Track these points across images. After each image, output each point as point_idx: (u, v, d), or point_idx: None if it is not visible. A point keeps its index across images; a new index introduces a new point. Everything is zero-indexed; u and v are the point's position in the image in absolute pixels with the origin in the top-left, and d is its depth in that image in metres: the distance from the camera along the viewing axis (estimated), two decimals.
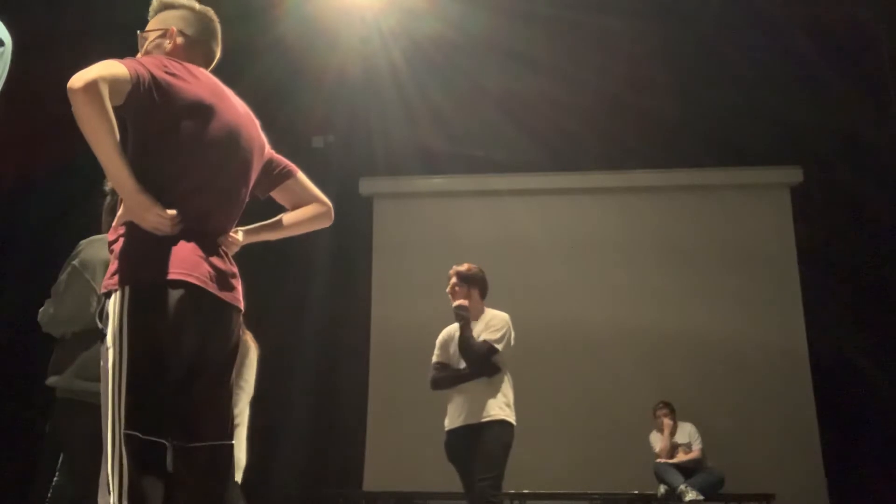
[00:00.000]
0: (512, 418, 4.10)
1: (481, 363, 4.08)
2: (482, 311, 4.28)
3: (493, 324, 4.20)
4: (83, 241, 2.99)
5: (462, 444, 4.08)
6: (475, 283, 4.29)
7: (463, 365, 4.16)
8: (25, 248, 5.93)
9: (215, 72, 2.27)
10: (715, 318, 7.20)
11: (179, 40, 2.19)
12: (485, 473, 3.93)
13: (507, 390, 4.14)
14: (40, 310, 3.00)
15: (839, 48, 6.34)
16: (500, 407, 4.07)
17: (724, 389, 6.97)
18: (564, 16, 6.35)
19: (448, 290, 4.32)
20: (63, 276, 2.93)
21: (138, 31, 2.24)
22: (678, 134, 7.27)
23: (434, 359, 4.33)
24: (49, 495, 3.01)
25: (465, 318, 4.17)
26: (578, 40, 6.67)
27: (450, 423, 4.17)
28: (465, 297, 4.24)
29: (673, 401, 6.50)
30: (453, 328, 4.31)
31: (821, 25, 6.16)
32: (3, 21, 2.00)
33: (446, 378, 4.21)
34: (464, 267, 4.32)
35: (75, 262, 2.92)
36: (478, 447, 4.00)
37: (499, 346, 4.10)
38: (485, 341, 4.10)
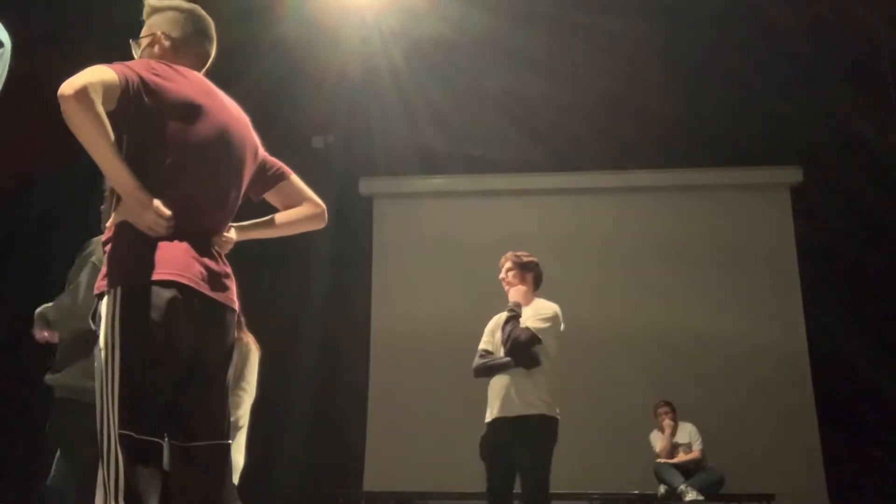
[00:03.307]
0: (553, 412, 3.99)
1: (522, 352, 4.00)
2: (532, 300, 4.24)
3: (541, 312, 4.15)
4: (94, 240, 2.99)
5: (498, 438, 3.98)
6: (530, 270, 4.26)
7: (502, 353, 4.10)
8: (25, 248, 5.93)
9: (215, 72, 2.27)
10: (715, 318, 7.20)
11: (167, 44, 2.18)
12: (531, 485, 3.86)
13: (548, 383, 4.04)
14: (49, 305, 2.99)
15: (839, 48, 6.34)
16: (540, 399, 3.97)
17: (725, 389, 6.96)
18: (564, 16, 6.35)
19: (501, 276, 4.28)
20: (84, 274, 2.92)
21: (131, 41, 2.23)
22: (678, 134, 7.26)
23: (480, 345, 4.25)
24: (42, 494, 3.01)
25: (517, 315, 4.11)
26: (578, 40, 6.67)
27: (489, 414, 4.07)
28: (520, 283, 4.21)
29: (673, 401, 6.50)
30: (502, 316, 4.22)
31: (821, 25, 6.16)
32: (3, 22, 2.01)
33: (481, 367, 4.14)
34: (522, 253, 4.28)
35: (94, 260, 2.92)
36: (520, 448, 3.89)
37: (541, 336, 4.03)
38: (527, 328, 4.03)
